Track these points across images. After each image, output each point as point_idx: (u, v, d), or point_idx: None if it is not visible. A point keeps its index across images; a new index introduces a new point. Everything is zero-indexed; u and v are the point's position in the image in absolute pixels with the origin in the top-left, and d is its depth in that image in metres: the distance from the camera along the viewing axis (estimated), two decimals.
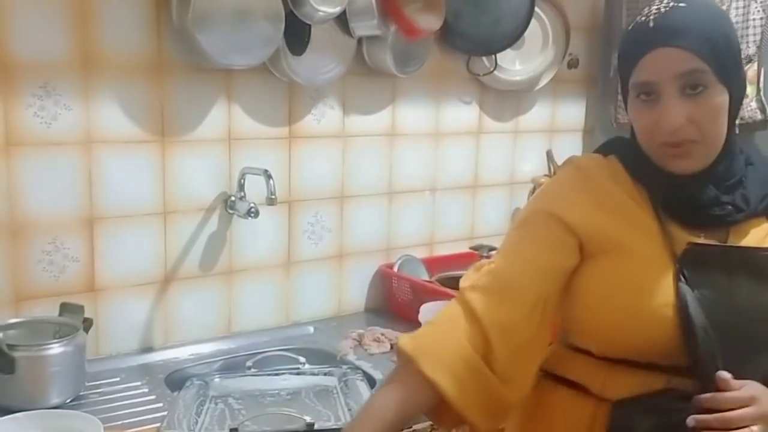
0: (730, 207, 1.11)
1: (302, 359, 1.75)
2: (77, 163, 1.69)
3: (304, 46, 1.89)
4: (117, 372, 1.71)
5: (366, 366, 1.79)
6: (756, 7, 2.14)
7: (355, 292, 2.19)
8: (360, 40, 2.02)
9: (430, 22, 2.02)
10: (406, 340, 1.11)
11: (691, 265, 1.08)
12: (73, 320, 1.58)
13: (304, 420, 1.40)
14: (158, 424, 1.43)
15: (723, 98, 1.07)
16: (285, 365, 1.75)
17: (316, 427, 1.40)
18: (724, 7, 2.18)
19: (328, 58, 1.96)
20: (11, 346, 1.45)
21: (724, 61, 1.06)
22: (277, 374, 1.72)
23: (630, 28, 1.13)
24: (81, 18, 1.65)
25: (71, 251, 1.71)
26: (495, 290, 1.12)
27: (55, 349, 1.49)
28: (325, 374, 1.72)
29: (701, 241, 1.11)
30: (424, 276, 2.23)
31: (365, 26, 1.94)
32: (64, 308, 1.61)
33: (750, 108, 2.16)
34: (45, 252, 1.68)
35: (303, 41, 1.88)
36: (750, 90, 2.16)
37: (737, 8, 2.16)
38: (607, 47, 2.53)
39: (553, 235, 1.15)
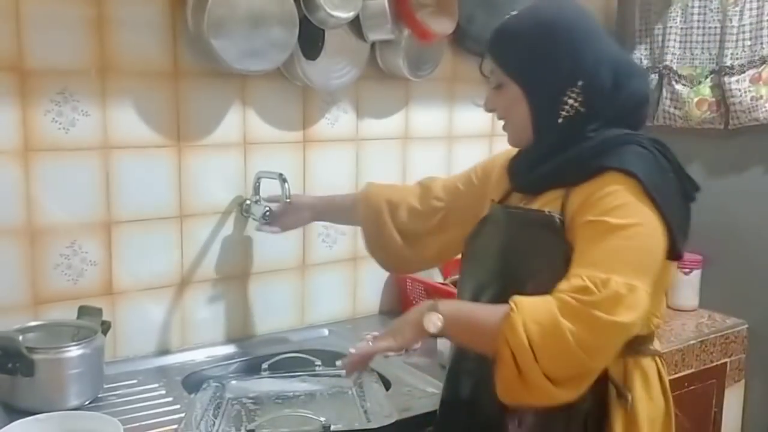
0: (533, 177, 1.35)
1: (317, 361, 1.76)
2: (95, 168, 1.71)
3: (318, 51, 1.90)
4: (134, 374, 1.73)
5: (381, 368, 1.79)
6: None
7: (370, 295, 2.20)
8: (373, 45, 2.03)
9: (442, 26, 2.03)
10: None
11: (487, 218, 1.43)
12: (92, 323, 1.59)
13: (320, 422, 1.41)
14: (175, 426, 1.44)
15: (515, 92, 1.32)
16: (300, 367, 1.76)
17: (331, 429, 1.41)
18: (737, 9, 2.18)
19: (342, 63, 1.97)
20: (30, 349, 1.46)
21: (511, 64, 1.32)
22: (292, 376, 1.73)
23: None
24: (98, 25, 1.67)
25: (89, 255, 1.73)
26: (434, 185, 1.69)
27: (74, 351, 1.50)
28: (340, 376, 1.72)
29: (507, 203, 1.42)
30: (438, 278, 2.23)
31: (378, 31, 1.95)
32: (83, 311, 1.63)
33: (764, 109, 2.15)
34: (63, 256, 1.70)
35: (317, 46, 1.90)
36: (764, 91, 2.15)
37: (751, 9, 2.16)
38: None
39: (472, 171, 1.63)
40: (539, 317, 1.13)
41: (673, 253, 1.23)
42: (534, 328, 1.13)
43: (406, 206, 1.69)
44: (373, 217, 1.72)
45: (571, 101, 1.27)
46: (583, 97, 1.27)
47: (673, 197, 1.23)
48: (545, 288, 1.19)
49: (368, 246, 1.77)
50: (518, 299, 1.17)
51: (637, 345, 1.28)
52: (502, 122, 1.39)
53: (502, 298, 1.22)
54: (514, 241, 1.33)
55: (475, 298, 1.38)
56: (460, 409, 1.42)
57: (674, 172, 1.26)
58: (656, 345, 1.37)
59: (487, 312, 1.22)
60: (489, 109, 1.40)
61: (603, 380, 1.23)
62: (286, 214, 1.84)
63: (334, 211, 1.86)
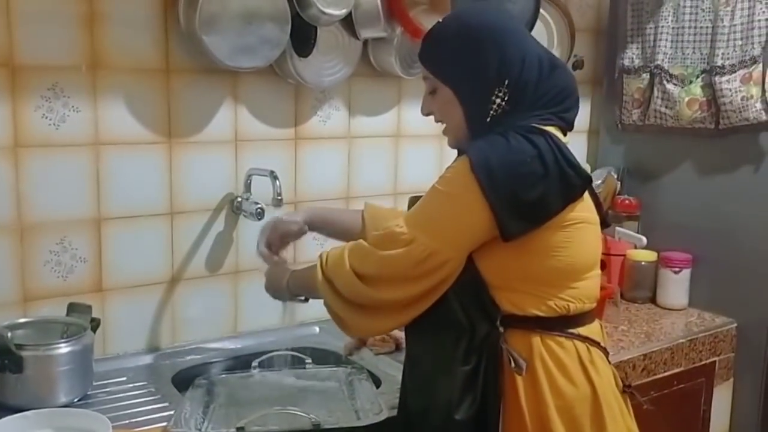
0: None
1: (308, 359, 1.76)
2: (85, 164, 1.70)
3: (310, 48, 1.90)
4: (124, 372, 1.73)
5: (371, 366, 1.80)
6: (761, 8, 2.14)
7: None
8: (366, 42, 2.03)
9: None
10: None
11: None
12: (81, 320, 1.59)
13: (310, 419, 1.41)
14: (165, 424, 1.44)
15: (448, 95, 1.37)
16: (290, 365, 1.76)
17: (321, 426, 1.41)
18: (729, 9, 2.18)
19: (334, 60, 1.97)
20: (19, 346, 1.46)
21: (441, 68, 1.37)
22: (283, 374, 1.73)
23: None
24: (89, 21, 1.66)
25: (79, 251, 1.72)
26: None
27: (63, 348, 1.50)
28: (330, 374, 1.72)
29: None
30: None
31: (371, 28, 1.95)
32: (72, 308, 1.62)
33: (755, 109, 2.16)
34: (53, 252, 1.69)
35: (309, 43, 1.90)
36: (755, 91, 2.16)
37: (742, 9, 2.16)
38: (611, 49, 2.54)
39: None
40: (333, 253, 1.37)
41: (502, 234, 1.27)
42: (329, 263, 1.37)
43: None
44: None
45: (498, 100, 1.33)
46: (509, 94, 1.32)
47: (517, 180, 1.25)
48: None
49: None
50: (327, 251, 1.40)
51: (542, 325, 1.32)
52: (442, 126, 1.44)
53: None
54: None
55: None
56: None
57: (545, 160, 1.26)
58: (590, 332, 1.37)
59: (310, 268, 1.44)
60: (426, 113, 1.45)
61: (494, 346, 1.30)
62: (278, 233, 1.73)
63: (332, 224, 1.78)
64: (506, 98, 1.32)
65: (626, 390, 1.42)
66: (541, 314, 1.32)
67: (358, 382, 1.66)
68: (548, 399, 1.30)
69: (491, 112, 1.33)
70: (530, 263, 1.31)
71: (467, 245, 1.29)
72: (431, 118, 1.45)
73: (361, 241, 1.35)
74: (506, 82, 1.31)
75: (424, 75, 1.41)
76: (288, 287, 1.56)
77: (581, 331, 1.36)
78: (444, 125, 1.43)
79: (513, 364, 1.29)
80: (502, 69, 1.31)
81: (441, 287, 1.30)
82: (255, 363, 1.75)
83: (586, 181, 1.32)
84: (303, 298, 1.58)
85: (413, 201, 1.50)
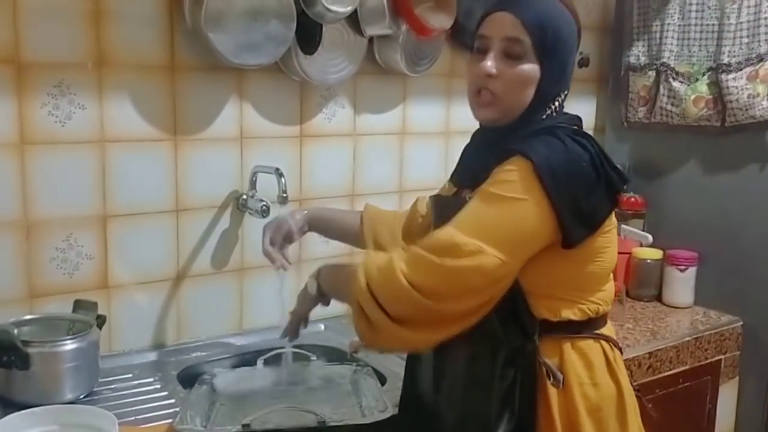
0: (479, 169, 1.30)
1: (313, 356, 1.76)
2: (91, 161, 1.71)
3: (315, 46, 1.90)
4: (130, 368, 1.73)
5: (376, 363, 1.79)
6: (767, 6, 2.13)
7: None
8: (371, 40, 2.03)
9: (441, 21, 2.02)
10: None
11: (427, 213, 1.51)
12: (87, 317, 1.59)
13: (315, 416, 1.41)
14: (170, 420, 1.44)
15: (533, 71, 1.27)
16: (296, 362, 1.76)
17: (326, 423, 1.41)
18: (735, 6, 2.18)
19: (340, 58, 1.96)
20: (26, 343, 1.46)
21: (545, 45, 1.26)
22: (288, 371, 1.73)
23: None
24: (95, 17, 1.66)
25: (85, 249, 1.73)
26: None
27: (69, 345, 1.50)
28: (335, 371, 1.72)
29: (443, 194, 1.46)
30: None
31: (376, 26, 1.95)
32: (78, 305, 1.63)
33: (761, 107, 2.16)
34: (59, 250, 1.70)
35: (314, 41, 1.89)
36: (761, 89, 2.15)
37: (748, 7, 2.16)
38: (617, 46, 2.53)
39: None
40: (379, 262, 1.23)
41: (565, 242, 1.24)
42: (374, 272, 1.22)
43: (404, 232, 1.66)
44: (378, 245, 1.66)
45: (557, 103, 1.31)
46: (561, 103, 1.33)
47: (578, 186, 1.23)
48: None
49: None
50: (372, 256, 1.28)
51: (573, 330, 1.30)
52: (487, 90, 1.30)
53: None
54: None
55: None
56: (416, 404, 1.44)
57: (595, 164, 1.25)
58: (607, 331, 1.37)
59: (351, 268, 1.29)
60: (490, 74, 1.28)
61: (531, 359, 1.27)
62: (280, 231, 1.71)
63: (329, 225, 1.77)
64: (559, 106, 1.32)
65: (637, 394, 1.41)
66: (574, 318, 1.30)
67: (363, 379, 1.66)
68: (579, 404, 1.29)
69: (548, 111, 1.31)
70: (573, 269, 1.28)
71: (528, 253, 1.23)
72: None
73: (413, 248, 1.22)
74: (566, 92, 1.33)
75: (512, 35, 1.26)
76: (318, 280, 1.44)
77: (604, 331, 1.36)
78: (493, 96, 1.29)
79: (551, 378, 1.27)
80: (570, 76, 1.32)
81: (496, 298, 1.24)
82: (260, 360, 1.75)
83: (625, 183, 1.32)
84: (315, 289, 1.46)
85: (437, 201, 1.45)
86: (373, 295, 1.21)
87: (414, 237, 1.55)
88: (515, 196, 1.20)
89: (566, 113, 1.35)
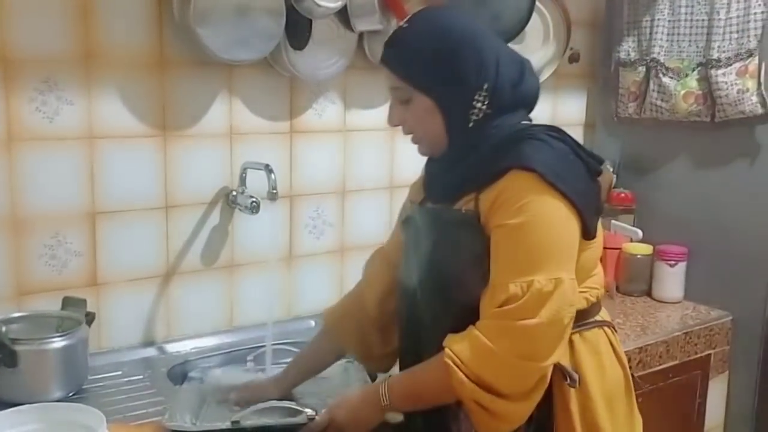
0: (446, 183, 1.33)
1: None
2: (79, 157, 1.70)
3: (305, 41, 1.89)
4: (119, 365, 1.72)
5: None
6: (757, 1, 2.13)
7: None
8: (361, 35, 2.02)
9: None
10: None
11: (407, 221, 1.44)
12: (76, 314, 1.59)
13: (305, 412, 1.41)
14: (160, 418, 1.44)
15: (426, 103, 1.28)
16: (286, 359, 1.76)
17: (316, 419, 1.41)
18: (725, 2, 2.18)
19: (330, 53, 1.96)
20: (14, 340, 1.46)
21: (419, 77, 1.27)
22: (278, 367, 1.72)
23: None
24: (83, 13, 1.65)
25: (73, 245, 1.72)
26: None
27: (58, 342, 1.49)
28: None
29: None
30: None
31: (366, 21, 1.95)
32: (67, 302, 1.62)
33: (750, 102, 2.16)
34: (47, 246, 1.69)
35: (304, 36, 1.89)
36: (750, 84, 2.16)
37: (738, 2, 2.16)
38: (608, 42, 2.53)
39: (398, 223, 1.56)
40: (475, 358, 1.18)
41: (587, 234, 1.26)
42: (478, 371, 1.17)
43: (376, 299, 1.54)
44: (359, 340, 1.56)
45: (479, 104, 1.28)
46: (489, 98, 1.27)
47: (577, 178, 1.25)
48: (473, 287, 1.24)
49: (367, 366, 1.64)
50: (452, 349, 1.20)
51: (579, 320, 1.30)
52: (409, 136, 1.35)
53: (433, 302, 1.31)
54: (435, 243, 1.33)
55: (411, 305, 1.37)
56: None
57: (574, 153, 1.27)
58: (603, 315, 1.40)
59: (427, 376, 1.26)
60: (396, 124, 1.35)
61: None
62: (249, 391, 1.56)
63: (309, 366, 1.60)
64: (486, 102, 1.27)
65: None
66: (579, 308, 1.29)
67: (353, 375, 1.65)
68: (594, 393, 1.30)
69: (473, 117, 1.28)
70: (580, 260, 1.27)
71: (576, 258, 1.24)
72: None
73: (496, 322, 1.17)
74: (485, 86, 1.26)
75: (394, 85, 1.31)
76: (389, 406, 1.29)
77: (603, 316, 1.39)
78: (414, 135, 1.35)
79: (568, 380, 1.26)
80: (480, 72, 1.26)
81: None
82: (250, 357, 1.74)
83: (601, 164, 1.32)
84: (401, 416, 1.30)
85: (427, 211, 1.39)
86: (490, 390, 1.18)
87: (391, 292, 1.50)
88: (540, 212, 1.20)
89: (523, 103, 1.32)
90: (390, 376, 1.38)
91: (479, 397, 1.18)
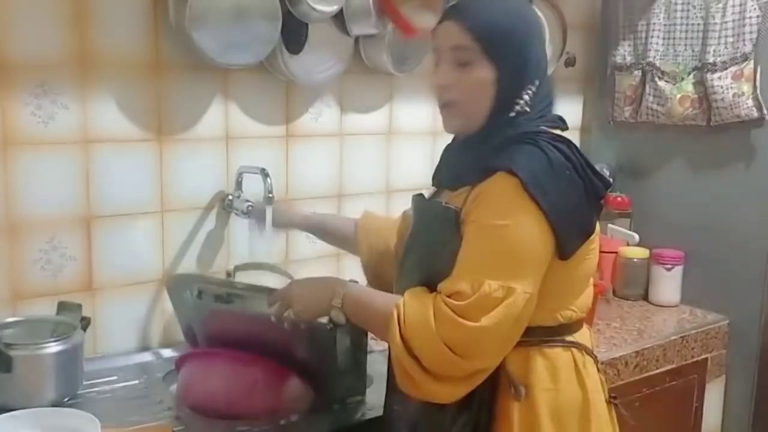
0: (454, 171, 1.33)
1: None
2: (74, 162, 1.69)
3: (301, 45, 1.89)
4: (114, 371, 1.71)
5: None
6: (752, 5, 2.14)
7: None
8: (357, 39, 2.02)
9: (427, 21, 2.01)
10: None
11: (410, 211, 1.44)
12: (71, 319, 1.58)
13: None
14: (155, 423, 1.43)
15: (487, 74, 1.25)
16: None
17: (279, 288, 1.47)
18: (720, 6, 2.18)
19: (326, 57, 1.96)
20: (8, 345, 1.45)
21: (496, 45, 1.24)
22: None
23: None
24: (78, 17, 1.65)
25: (69, 250, 1.71)
26: None
27: (53, 347, 1.49)
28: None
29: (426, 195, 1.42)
30: None
31: (362, 25, 1.95)
32: (62, 307, 1.62)
33: (746, 106, 2.16)
34: (42, 251, 1.68)
35: (300, 40, 1.89)
36: (746, 88, 2.16)
37: (733, 6, 2.17)
38: (603, 46, 2.54)
39: None
40: (414, 324, 1.19)
41: (562, 254, 1.22)
42: (409, 336, 1.19)
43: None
44: (373, 257, 1.65)
45: (526, 98, 1.27)
46: (532, 97, 1.27)
47: (564, 195, 1.21)
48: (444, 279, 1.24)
49: (367, 276, 1.68)
50: (403, 301, 1.23)
51: (542, 336, 1.28)
52: (446, 101, 1.30)
53: (409, 287, 1.29)
54: (421, 234, 1.35)
55: (398, 284, 1.40)
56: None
57: (578, 170, 1.24)
58: (580, 338, 1.34)
59: (377, 307, 1.29)
60: (445, 84, 1.28)
61: (496, 370, 1.25)
62: (279, 214, 1.79)
63: (326, 231, 1.80)
64: (530, 99, 1.26)
65: (612, 401, 1.38)
66: (544, 325, 1.28)
67: None
68: (540, 408, 1.26)
69: (516, 107, 1.26)
70: (555, 278, 1.24)
71: (542, 275, 1.22)
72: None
73: (445, 308, 1.18)
74: (536, 82, 1.27)
75: (458, 44, 1.25)
76: (342, 306, 1.33)
77: (577, 337, 1.34)
78: (453, 104, 1.29)
79: (513, 390, 1.26)
80: (538, 66, 1.28)
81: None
82: None
83: (608, 188, 1.29)
84: (344, 320, 1.35)
85: (418, 202, 1.41)
86: (408, 349, 1.20)
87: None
88: (513, 220, 1.18)
89: (546, 113, 1.31)
90: (355, 282, 1.41)
91: (402, 358, 1.20)
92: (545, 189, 1.19)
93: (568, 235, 1.22)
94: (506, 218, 1.18)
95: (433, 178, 1.45)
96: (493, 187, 1.21)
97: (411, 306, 1.22)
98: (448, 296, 1.19)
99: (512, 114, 1.27)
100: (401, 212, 1.60)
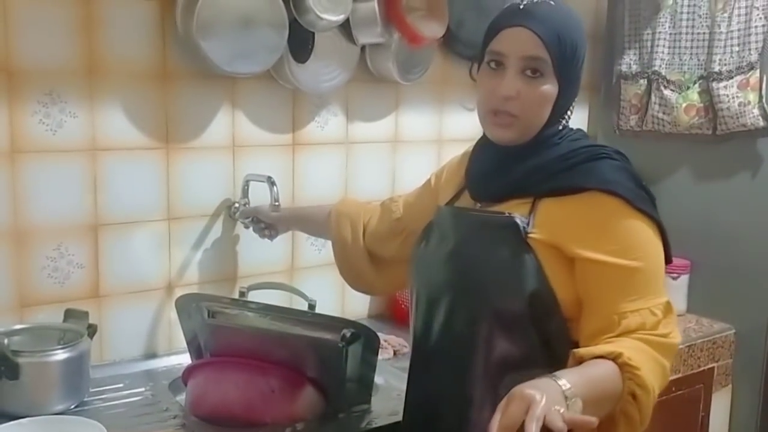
0: (502, 182, 1.28)
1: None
2: (82, 170, 1.70)
3: (307, 54, 1.90)
4: (121, 378, 1.72)
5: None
6: (758, 14, 2.14)
7: (359, 299, 2.19)
8: (363, 48, 2.03)
9: (432, 30, 2.03)
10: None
11: (434, 224, 1.36)
12: (78, 326, 1.58)
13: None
14: (162, 431, 1.44)
15: (553, 90, 1.22)
16: None
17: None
18: (726, 15, 2.19)
19: (332, 66, 1.96)
20: (16, 352, 1.45)
21: (565, 61, 1.22)
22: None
23: (505, 6, 1.28)
24: (86, 25, 1.66)
25: (76, 257, 1.72)
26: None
27: (60, 355, 1.49)
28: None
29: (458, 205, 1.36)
30: None
31: (368, 34, 1.95)
32: (69, 314, 1.62)
33: (752, 115, 2.17)
34: (50, 258, 1.69)
35: (307, 49, 1.89)
36: (752, 97, 2.16)
37: (739, 15, 2.17)
38: (609, 54, 2.54)
39: (426, 182, 1.56)
40: (652, 366, 1.16)
41: (667, 257, 1.26)
42: (655, 381, 1.16)
43: (370, 229, 1.64)
44: (341, 239, 1.67)
45: (567, 114, 1.29)
46: (570, 115, 1.30)
47: (654, 205, 1.25)
48: (506, 296, 1.22)
49: (337, 262, 1.72)
50: (625, 355, 1.13)
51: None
52: (505, 111, 1.23)
53: (457, 310, 1.27)
54: (466, 247, 1.28)
55: (429, 312, 1.33)
56: (423, 410, 1.38)
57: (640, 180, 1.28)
58: None
59: (606, 377, 1.13)
60: (510, 96, 1.22)
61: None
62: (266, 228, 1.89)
63: (303, 222, 1.88)
64: (571, 111, 1.30)
65: None
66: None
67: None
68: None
69: (563, 120, 1.28)
70: None
71: None
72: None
73: (653, 338, 1.17)
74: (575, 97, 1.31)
75: (533, 54, 1.20)
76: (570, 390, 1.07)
77: None
78: (510, 113, 1.23)
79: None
80: (580, 82, 1.30)
81: None
82: None
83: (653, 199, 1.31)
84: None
85: (456, 213, 1.35)
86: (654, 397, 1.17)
87: (381, 237, 1.61)
88: (638, 237, 1.21)
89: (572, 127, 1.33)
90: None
91: (649, 403, 1.16)
92: (645, 201, 1.22)
93: (667, 239, 1.26)
94: (638, 252, 1.20)
95: (469, 191, 1.36)
96: (596, 212, 1.20)
97: (637, 356, 1.14)
98: (650, 330, 1.18)
99: (560, 127, 1.28)
100: (379, 202, 1.67)
